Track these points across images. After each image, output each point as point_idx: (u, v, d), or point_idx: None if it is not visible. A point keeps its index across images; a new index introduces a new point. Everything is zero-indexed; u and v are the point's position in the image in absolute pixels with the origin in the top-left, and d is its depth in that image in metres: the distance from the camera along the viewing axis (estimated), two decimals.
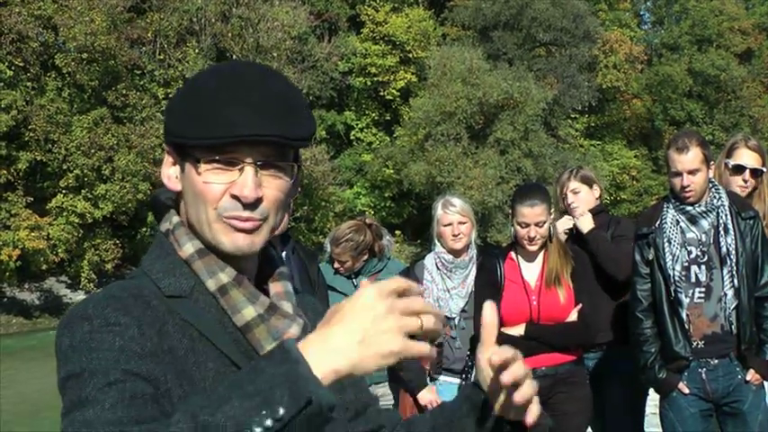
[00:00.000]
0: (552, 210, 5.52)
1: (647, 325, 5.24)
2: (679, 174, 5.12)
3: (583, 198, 6.18)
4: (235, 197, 1.69)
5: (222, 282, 1.73)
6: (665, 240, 5.15)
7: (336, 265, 6.26)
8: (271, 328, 1.74)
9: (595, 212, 6.15)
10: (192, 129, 1.68)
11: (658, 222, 5.23)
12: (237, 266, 1.76)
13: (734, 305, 5.10)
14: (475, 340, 5.54)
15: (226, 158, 1.69)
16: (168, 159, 1.78)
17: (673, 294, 5.12)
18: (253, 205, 1.70)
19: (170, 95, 38.21)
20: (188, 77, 1.75)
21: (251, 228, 1.72)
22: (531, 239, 5.37)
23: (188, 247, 1.75)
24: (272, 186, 1.72)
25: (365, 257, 6.27)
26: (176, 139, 1.72)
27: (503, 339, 5.36)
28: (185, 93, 1.75)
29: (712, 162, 5.21)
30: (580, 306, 5.37)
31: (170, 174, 1.78)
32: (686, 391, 5.15)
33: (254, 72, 1.76)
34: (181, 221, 1.78)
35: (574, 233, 6.18)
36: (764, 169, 5.84)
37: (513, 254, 5.55)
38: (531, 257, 5.50)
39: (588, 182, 6.23)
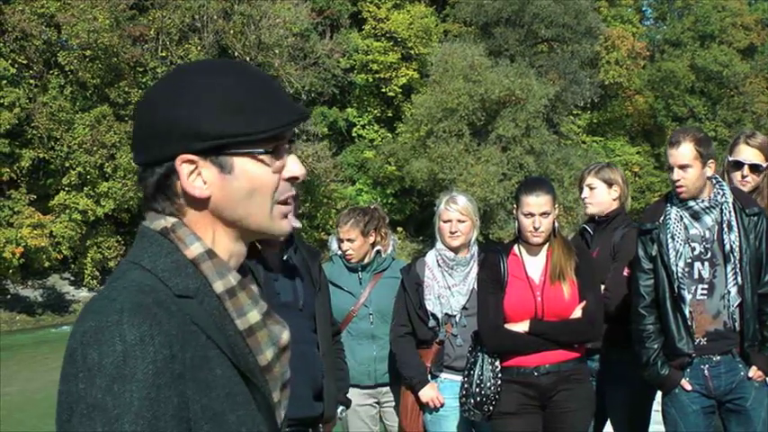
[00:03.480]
0: (557, 204, 5.50)
1: (649, 321, 5.23)
2: (671, 168, 5.15)
3: (598, 196, 6.10)
4: (289, 179, 1.76)
5: (231, 284, 1.72)
6: (669, 236, 5.14)
7: (345, 246, 6.26)
8: (271, 332, 1.75)
9: (612, 216, 6.08)
10: (245, 124, 1.69)
11: (662, 218, 5.22)
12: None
13: (737, 302, 5.09)
14: (477, 337, 5.55)
15: (279, 145, 1.73)
16: (186, 169, 1.71)
17: (676, 291, 5.12)
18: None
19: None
20: (168, 82, 1.69)
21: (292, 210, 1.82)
22: (535, 229, 5.34)
23: (196, 247, 1.71)
24: None
25: (372, 240, 6.28)
26: (223, 140, 1.69)
27: (507, 335, 5.42)
28: (201, 93, 1.71)
29: (712, 160, 5.19)
30: (585, 302, 5.36)
31: (197, 183, 1.72)
32: (688, 387, 5.15)
33: (248, 65, 1.83)
34: (180, 221, 1.74)
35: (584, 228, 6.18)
36: (765, 165, 5.82)
37: (516, 249, 5.52)
38: (534, 253, 5.47)
39: (608, 181, 6.10)
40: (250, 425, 1.67)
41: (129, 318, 1.54)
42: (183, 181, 1.71)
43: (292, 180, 1.76)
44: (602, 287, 5.65)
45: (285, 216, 1.77)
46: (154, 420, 1.50)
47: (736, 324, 5.11)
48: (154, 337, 1.54)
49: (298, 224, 1.85)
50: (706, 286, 5.13)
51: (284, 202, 1.76)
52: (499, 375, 5.36)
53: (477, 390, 5.36)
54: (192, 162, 1.71)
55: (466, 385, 5.45)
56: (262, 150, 1.70)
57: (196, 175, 1.71)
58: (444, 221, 5.93)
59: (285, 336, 1.77)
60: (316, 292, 4.88)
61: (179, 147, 1.70)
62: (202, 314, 1.67)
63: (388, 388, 6.36)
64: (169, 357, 1.54)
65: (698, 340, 5.13)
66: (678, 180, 5.10)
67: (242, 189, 1.72)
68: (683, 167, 5.09)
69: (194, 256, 1.71)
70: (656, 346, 5.22)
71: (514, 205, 5.52)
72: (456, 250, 5.93)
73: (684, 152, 5.08)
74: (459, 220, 5.90)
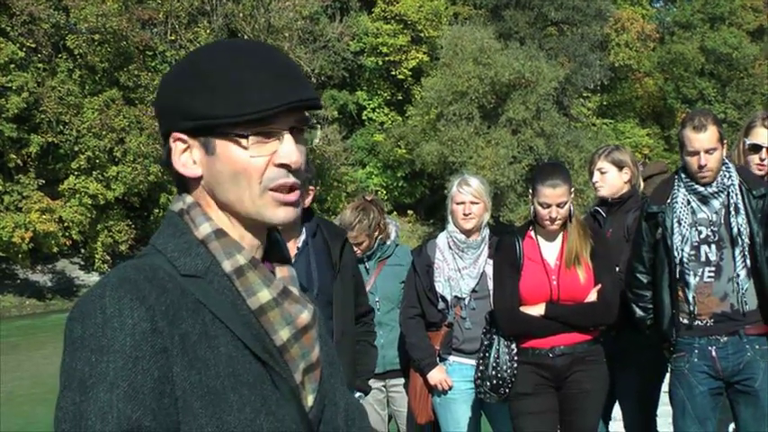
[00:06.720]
0: (572, 189, 5.44)
1: (645, 280, 5.31)
2: (696, 153, 5.05)
3: (609, 180, 6.05)
4: (281, 165, 1.70)
5: (239, 263, 1.72)
6: (675, 221, 5.10)
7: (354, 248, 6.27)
8: (284, 312, 1.74)
9: (625, 198, 6.03)
10: (230, 106, 1.67)
11: (669, 200, 5.19)
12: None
13: (747, 285, 5.07)
14: (492, 319, 5.53)
15: (266, 129, 1.69)
16: (179, 147, 1.74)
17: (678, 275, 5.10)
18: (297, 170, 1.72)
19: None
20: (181, 60, 1.75)
21: (296, 200, 1.74)
22: (552, 220, 5.33)
23: (205, 227, 1.73)
24: (301, 151, 1.75)
25: (377, 233, 6.28)
26: (208, 121, 1.69)
27: (522, 318, 5.39)
28: (200, 73, 1.72)
29: (725, 141, 5.16)
30: (600, 285, 5.34)
31: (185, 161, 1.74)
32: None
33: (259, 46, 1.79)
34: (196, 202, 1.76)
35: (596, 208, 6.15)
36: None
37: (531, 233, 5.49)
38: (550, 237, 5.45)
39: (618, 164, 6.03)
40: (257, 405, 1.66)
41: (110, 292, 1.58)
42: (173, 158, 1.75)
43: (285, 167, 1.71)
44: (617, 269, 5.64)
45: (283, 204, 1.72)
46: (131, 391, 1.52)
47: (746, 307, 5.08)
48: (134, 309, 1.56)
49: (296, 215, 1.79)
50: (713, 269, 5.09)
51: (277, 189, 1.71)
52: (515, 358, 5.36)
53: (494, 373, 5.36)
54: (183, 141, 1.74)
55: (481, 368, 5.44)
56: (241, 133, 1.69)
57: (188, 155, 1.74)
58: (457, 203, 5.92)
59: (304, 315, 1.77)
60: (334, 275, 4.84)
61: (172, 124, 1.74)
62: (211, 293, 1.69)
63: (394, 372, 6.36)
64: (149, 331, 1.56)
65: (704, 321, 5.11)
66: (705, 165, 5.03)
67: (224, 171, 1.72)
68: (709, 151, 5.03)
69: (203, 237, 1.73)
70: (648, 295, 5.29)
71: (530, 190, 5.46)
72: (468, 233, 5.92)
73: (711, 136, 5.02)
74: (472, 202, 5.89)
